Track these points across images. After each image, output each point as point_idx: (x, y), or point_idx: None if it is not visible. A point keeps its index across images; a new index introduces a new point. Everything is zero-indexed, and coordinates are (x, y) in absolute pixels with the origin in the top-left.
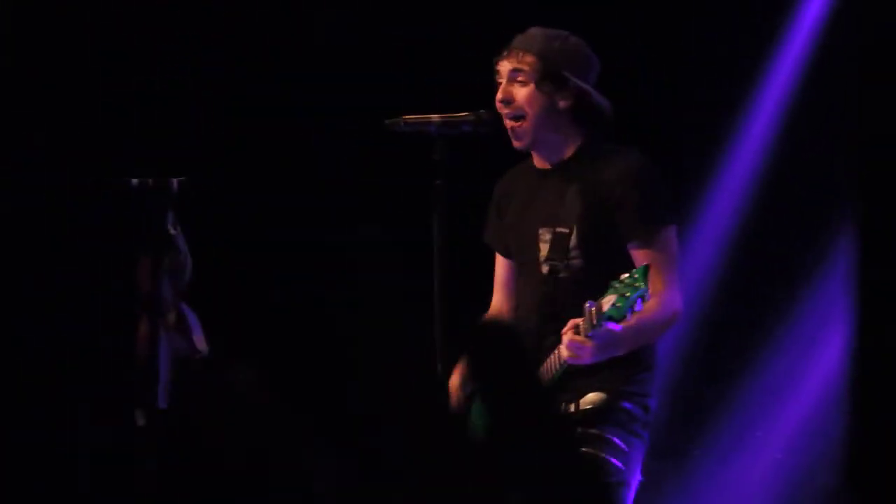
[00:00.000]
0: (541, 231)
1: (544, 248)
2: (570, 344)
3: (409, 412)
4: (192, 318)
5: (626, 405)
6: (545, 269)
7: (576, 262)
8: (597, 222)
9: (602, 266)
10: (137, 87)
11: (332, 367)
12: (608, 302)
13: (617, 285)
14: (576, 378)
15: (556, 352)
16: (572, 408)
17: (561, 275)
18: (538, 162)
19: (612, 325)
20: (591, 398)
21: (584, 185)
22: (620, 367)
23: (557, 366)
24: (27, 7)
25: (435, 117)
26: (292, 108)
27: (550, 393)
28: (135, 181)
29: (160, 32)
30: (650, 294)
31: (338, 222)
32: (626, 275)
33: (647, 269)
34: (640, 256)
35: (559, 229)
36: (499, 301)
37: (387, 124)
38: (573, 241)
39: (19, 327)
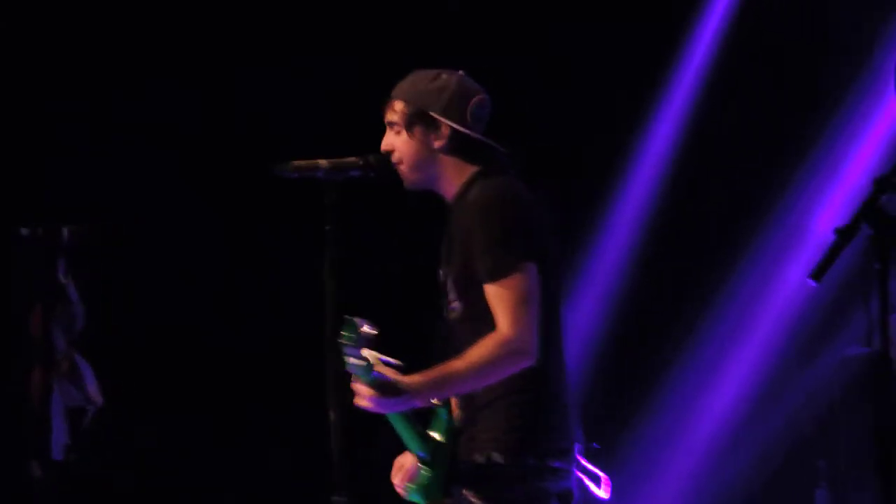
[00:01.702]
0: (440, 272)
1: (443, 292)
2: (354, 390)
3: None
4: (86, 368)
5: (520, 458)
6: (444, 312)
7: (455, 304)
8: (461, 261)
9: (479, 305)
10: (26, 137)
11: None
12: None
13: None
14: (470, 424)
15: None
16: (463, 456)
17: (451, 316)
18: (445, 199)
19: (377, 375)
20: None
21: (457, 225)
22: (508, 410)
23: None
24: None
25: (323, 162)
26: (184, 156)
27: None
28: (24, 230)
29: (50, 82)
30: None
31: (232, 266)
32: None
33: (349, 325)
34: (486, 292)
35: (443, 270)
36: None
37: (275, 170)
38: (450, 283)
39: None
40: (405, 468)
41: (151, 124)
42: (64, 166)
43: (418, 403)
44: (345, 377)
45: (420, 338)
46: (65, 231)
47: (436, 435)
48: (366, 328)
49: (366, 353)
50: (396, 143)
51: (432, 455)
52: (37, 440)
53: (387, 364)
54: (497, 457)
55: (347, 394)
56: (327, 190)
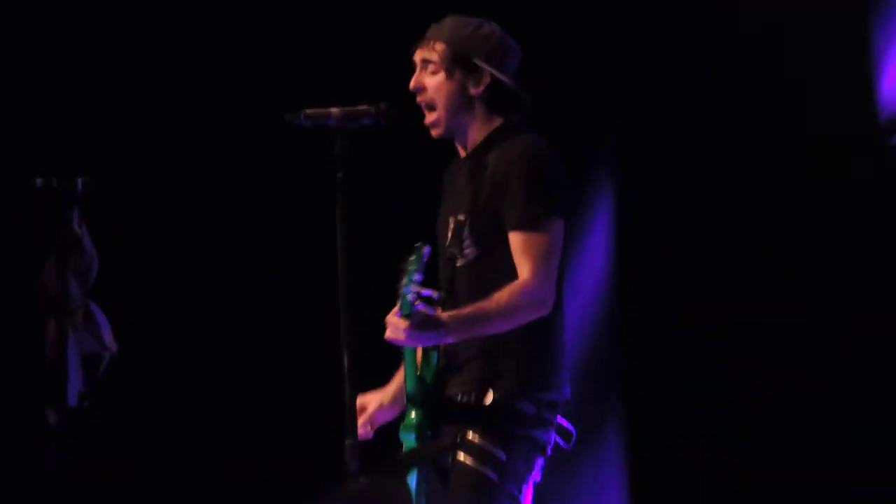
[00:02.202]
0: (450, 219)
1: (448, 236)
2: (388, 322)
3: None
4: (101, 316)
5: (518, 404)
6: (447, 257)
7: (468, 251)
8: (487, 209)
9: (493, 253)
10: (39, 87)
11: (234, 365)
12: (401, 284)
13: (405, 267)
14: (472, 368)
15: None
16: (462, 398)
17: (458, 263)
18: (460, 150)
19: (422, 307)
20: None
21: (483, 172)
22: (518, 360)
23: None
24: None
25: (334, 111)
26: (194, 105)
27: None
28: (38, 181)
29: (62, 32)
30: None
31: (244, 218)
32: (411, 255)
33: (419, 251)
34: (513, 240)
35: (458, 217)
36: None
37: (287, 118)
38: (466, 228)
39: None
40: (368, 411)
41: (161, 74)
42: (77, 116)
43: (450, 339)
44: (356, 323)
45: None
46: (79, 181)
47: (426, 376)
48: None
49: (413, 289)
50: (430, 83)
51: (422, 395)
52: (53, 387)
53: (425, 297)
54: (498, 397)
55: (358, 339)
56: (339, 138)
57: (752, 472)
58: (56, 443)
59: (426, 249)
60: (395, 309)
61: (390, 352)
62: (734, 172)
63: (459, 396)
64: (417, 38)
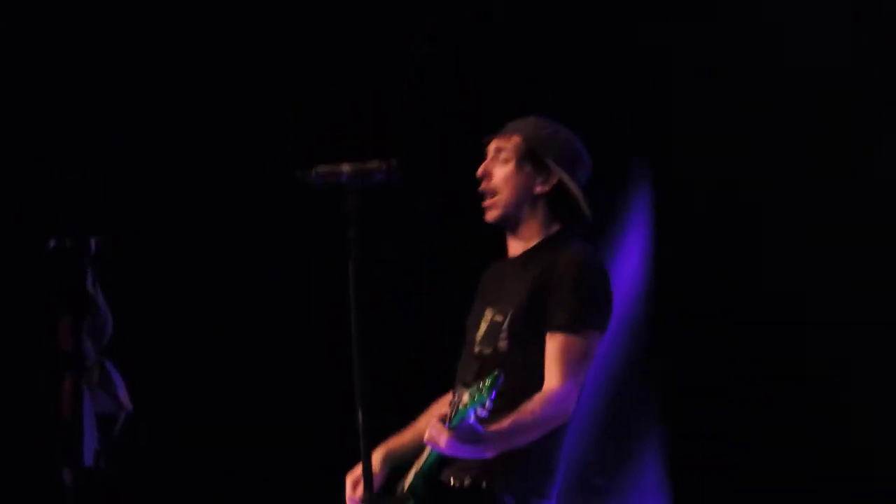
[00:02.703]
0: (486, 312)
1: (483, 328)
2: (430, 428)
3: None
4: (116, 375)
5: (503, 499)
6: (477, 348)
7: (502, 344)
8: (531, 307)
9: (524, 350)
10: (50, 147)
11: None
12: (464, 399)
13: (474, 386)
14: (467, 459)
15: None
16: (454, 482)
17: (488, 354)
18: (511, 248)
19: (472, 423)
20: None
21: (533, 273)
22: (518, 460)
23: (427, 453)
24: None
25: (346, 167)
26: (205, 165)
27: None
28: (52, 242)
29: (69, 90)
30: (539, 391)
31: (258, 273)
32: (486, 379)
33: (495, 379)
34: (552, 341)
35: (498, 312)
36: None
37: (298, 176)
38: (505, 323)
39: None
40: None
41: (171, 132)
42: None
43: (489, 454)
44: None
45: (434, 345)
46: (92, 241)
47: (423, 468)
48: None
49: (465, 397)
50: (498, 172)
51: (417, 485)
52: (68, 448)
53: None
54: (487, 487)
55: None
56: (350, 195)
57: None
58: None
59: (501, 379)
60: (444, 412)
61: (403, 416)
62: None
63: (451, 482)
64: (497, 127)
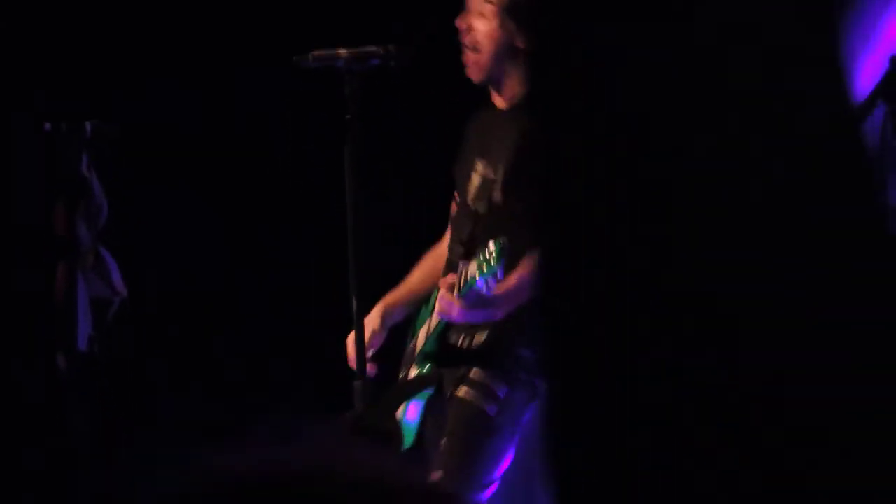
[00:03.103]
0: (476, 164)
1: (475, 181)
2: (440, 300)
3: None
4: (110, 261)
5: (519, 351)
6: (471, 204)
7: (497, 198)
8: (522, 160)
9: (520, 204)
10: (48, 30)
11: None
12: (472, 269)
13: (481, 255)
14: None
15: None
16: (463, 342)
17: (481, 210)
18: (495, 100)
19: (480, 287)
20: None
21: (521, 126)
22: (524, 313)
23: (437, 322)
24: None
25: (343, 52)
26: (201, 46)
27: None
28: (48, 125)
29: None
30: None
31: (252, 161)
32: (492, 247)
33: (502, 246)
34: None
35: (488, 165)
36: (447, 233)
37: (295, 60)
38: (498, 177)
39: None
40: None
41: (168, 15)
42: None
43: (500, 316)
44: (366, 269)
45: (436, 230)
46: (87, 125)
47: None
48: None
49: (473, 267)
50: (480, 26)
51: (426, 349)
52: (62, 332)
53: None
54: (497, 339)
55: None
56: (347, 79)
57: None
58: (68, 387)
59: (506, 246)
60: (451, 282)
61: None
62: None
63: (460, 340)
64: None
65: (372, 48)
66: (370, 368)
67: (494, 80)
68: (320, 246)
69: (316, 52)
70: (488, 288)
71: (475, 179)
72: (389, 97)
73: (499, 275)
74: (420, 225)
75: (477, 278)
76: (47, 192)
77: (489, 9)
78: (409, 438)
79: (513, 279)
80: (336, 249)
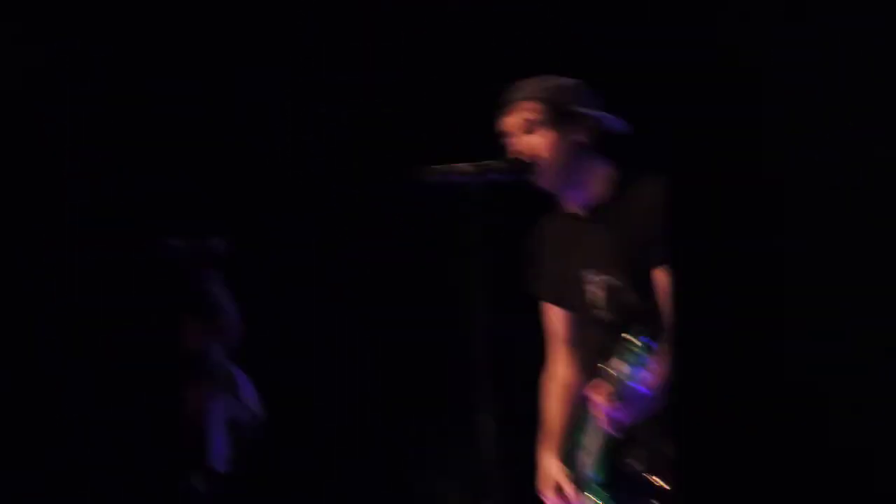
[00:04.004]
0: (584, 275)
1: (599, 292)
2: (603, 411)
3: None
4: (243, 380)
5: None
6: (596, 313)
7: (631, 301)
8: (638, 261)
9: (649, 297)
10: (181, 150)
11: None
12: (620, 367)
13: (625, 351)
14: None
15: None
16: (637, 466)
17: (612, 317)
18: (573, 205)
19: (636, 377)
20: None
21: (622, 225)
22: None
23: (602, 439)
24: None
25: (463, 166)
26: (328, 166)
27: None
28: (175, 241)
29: (195, 95)
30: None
31: (375, 275)
32: (633, 339)
33: (644, 340)
34: (662, 279)
35: (607, 274)
36: (562, 353)
37: (416, 174)
38: (627, 288)
39: (74, 398)
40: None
41: (292, 136)
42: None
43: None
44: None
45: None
46: (218, 241)
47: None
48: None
49: (620, 365)
50: (532, 142)
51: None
52: (195, 452)
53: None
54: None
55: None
56: (468, 194)
57: None
58: None
59: (647, 339)
60: (604, 389)
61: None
62: None
63: (634, 465)
64: (498, 107)
65: (493, 162)
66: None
67: (571, 184)
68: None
69: (437, 167)
70: (643, 379)
71: (596, 290)
72: (510, 209)
73: (647, 362)
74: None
75: (630, 373)
76: (178, 309)
77: (532, 121)
78: None
79: (662, 369)
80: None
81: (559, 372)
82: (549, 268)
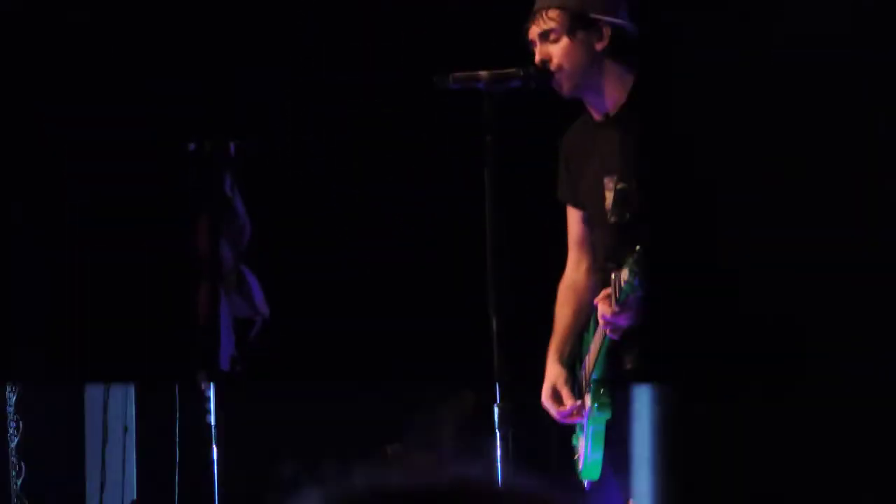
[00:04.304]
0: (605, 181)
1: (610, 197)
2: (602, 315)
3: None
4: (253, 280)
5: None
6: (611, 222)
7: (635, 207)
8: (651, 170)
9: (656, 209)
10: (192, 51)
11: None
12: (624, 275)
13: (631, 260)
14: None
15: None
16: (631, 361)
17: (622, 222)
18: (594, 112)
19: (637, 287)
20: None
21: (635, 130)
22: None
23: (601, 341)
24: None
25: (483, 74)
26: (343, 72)
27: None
28: (192, 145)
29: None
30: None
31: (393, 182)
32: (633, 254)
33: (640, 254)
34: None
35: (620, 180)
36: (575, 258)
37: (435, 81)
38: (633, 187)
39: (87, 290)
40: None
41: (312, 40)
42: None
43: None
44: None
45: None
46: (231, 145)
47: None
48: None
49: (625, 274)
50: (554, 51)
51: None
52: (204, 352)
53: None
54: None
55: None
56: (487, 101)
57: None
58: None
59: (641, 253)
60: (607, 293)
61: (534, 318)
62: None
63: (628, 361)
64: (525, 15)
65: (512, 70)
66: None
67: (591, 90)
68: (458, 266)
69: (456, 74)
70: (643, 289)
71: (608, 196)
72: (529, 118)
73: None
74: (559, 245)
75: (633, 282)
76: (191, 213)
77: (555, 31)
78: (592, 472)
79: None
80: (474, 269)
81: (570, 276)
82: (570, 173)
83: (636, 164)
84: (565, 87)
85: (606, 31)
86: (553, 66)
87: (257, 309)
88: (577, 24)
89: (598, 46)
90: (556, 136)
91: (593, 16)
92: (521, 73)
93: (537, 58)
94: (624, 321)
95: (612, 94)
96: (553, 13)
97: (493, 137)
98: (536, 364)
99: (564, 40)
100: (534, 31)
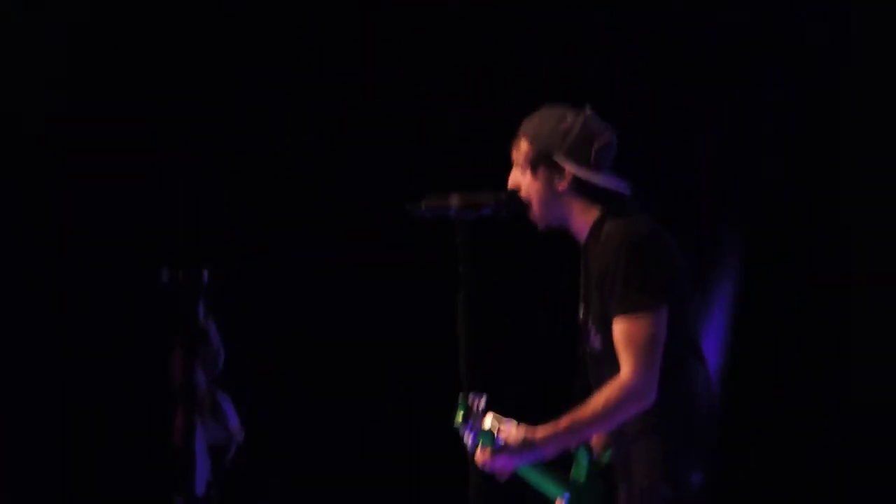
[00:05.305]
0: (580, 310)
1: (582, 326)
2: (487, 464)
3: None
4: (227, 405)
5: (664, 486)
6: (582, 349)
7: (596, 342)
8: (600, 300)
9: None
10: (168, 180)
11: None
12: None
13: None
14: (626, 453)
15: None
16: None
17: (591, 354)
18: (577, 238)
19: (502, 439)
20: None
21: (593, 266)
22: (657, 441)
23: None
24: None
25: (454, 201)
26: (315, 197)
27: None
28: (165, 273)
29: (186, 126)
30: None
31: (365, 309)
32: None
33: (463, 403)
34: (614, 329)
35: (585, 308)
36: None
37: (407, 208)
38: (590, 321)
39: (56, 421)
40: None
41: (280, 166)
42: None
43: (548, 453)
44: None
45: (556, 374)
46: (205, 273)
47: (578, 479)
48: (477, 401)
49: (486, 421)
50: (522, 181)
51: (578, 495)
52: (181, 477)
53: (507, 421)
54: (662, 483)
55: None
56: (459, 228)
57: None
58: None
59: (472, 397)
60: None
61: None
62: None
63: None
64: (513, 132)
65: (483, 196)
66: None
67: (562, 221)
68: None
69: (428, 201)
70: (476, 440)
71: (582, 323)
72: (501, 244)
73: (477, 424)
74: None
75: (491, 430)
76: (165, 339)
77: (522, 162)
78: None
79: (564, 420)
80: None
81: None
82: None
83: (589, 293)
84: (537, 221)
85: (567, 175)
86: (522, 195)
87: (232, 434)
88: (539, 161)
89: (560, 186)
90: (536, 260)
91: (555, 158)
92: (493, 202)
93: (509, 183)
94: (501, 465)
95: (580, 226)
96: (524, 144)
97: (466, 265)
98: None
99: (528, 174)
100: (512, 154)
